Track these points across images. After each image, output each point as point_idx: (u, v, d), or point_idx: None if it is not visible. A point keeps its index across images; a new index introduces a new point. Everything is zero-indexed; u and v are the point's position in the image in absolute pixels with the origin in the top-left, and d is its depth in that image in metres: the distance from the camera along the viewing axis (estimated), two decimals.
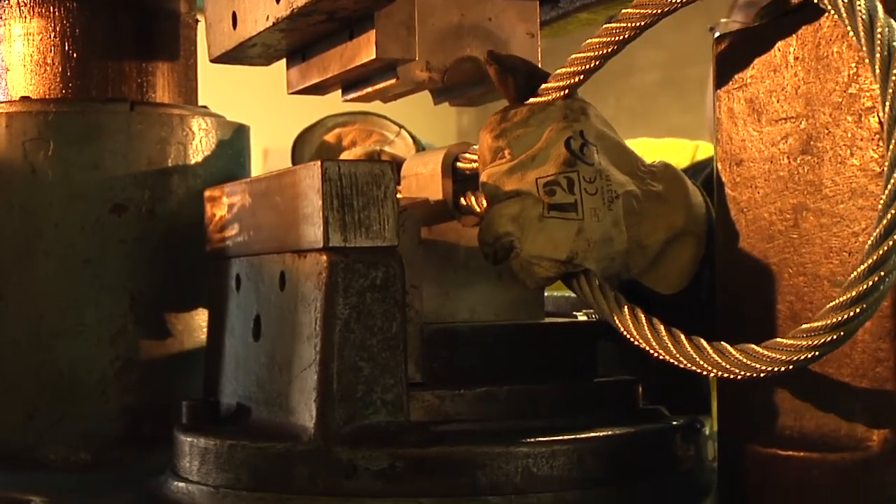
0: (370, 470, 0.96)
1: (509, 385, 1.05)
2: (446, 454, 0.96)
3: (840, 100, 0.86)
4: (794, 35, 0.89)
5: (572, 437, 0.99)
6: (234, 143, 1.38)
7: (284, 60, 1.25)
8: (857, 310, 0.78)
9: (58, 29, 1.35)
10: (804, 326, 0.80)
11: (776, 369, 0.82)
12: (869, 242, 0.78)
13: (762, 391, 0.91)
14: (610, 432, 1.01)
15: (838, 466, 0.84)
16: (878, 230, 0.77)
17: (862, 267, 0.78)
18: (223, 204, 1.19)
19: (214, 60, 1.21)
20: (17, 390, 1.29)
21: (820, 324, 0.79)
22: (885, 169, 0.78)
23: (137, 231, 1.30)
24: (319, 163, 0.99)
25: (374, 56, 1.05)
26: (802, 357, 0.81)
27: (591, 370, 1.12)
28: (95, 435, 1.29)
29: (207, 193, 1.23)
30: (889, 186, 0.77)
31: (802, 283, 0.89)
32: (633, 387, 1.12)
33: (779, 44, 0.91)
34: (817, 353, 0.80)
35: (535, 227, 0.99)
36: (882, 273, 0.77)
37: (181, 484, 1.07)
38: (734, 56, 0.96)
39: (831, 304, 0.79)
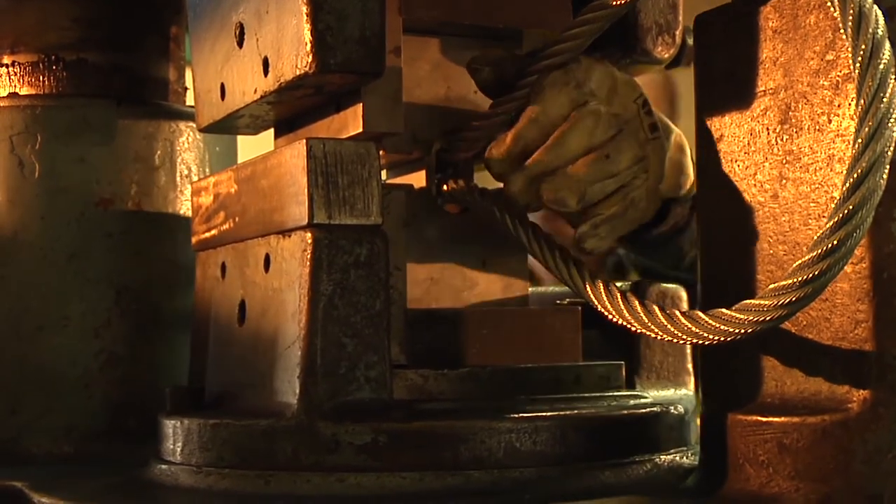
0: (353, 444, 0.96)
1: (493, 366, 1.05)
2: (429, 429, 0.96)
3: (818, 67, 0.87)
4: (772, 7, 0.91)
5: (556, 413, 0.99)
6: (221, 140, 1.39)
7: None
8: (824, 266, 0.78)
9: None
10: (772, 286, 0.81)
11: (748, 331, 0.82)
12: (836, 199, 0.78)
13: (742, 360, 0.92)
14: (593, 410, 1.02)
15: (818, 428, 0.84)
16: (844, 186, 0.78)
17: (829, 223, 0.78)
18: (209, 194, 1.20)
19: (203, 130, 1.21)
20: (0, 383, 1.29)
21: (788, 282, 0.79)
22: (854, 127, 0.79)
23: (123, 225, 1.31)
24: (304, 141, 1.00)
25: (361, 129, 1.05)
26: (772, 317, 0.80)
27: (574, 354, 1.12)
28: (79, 429, 1.29)
29: (194, 185, 1.24)
30: (857, 145, 0.78)
31: (782, 251, 0.90)
32: (618, 370, 1.12)
33: (758, 18, 0.92)
34: (786, 312, 0.80)
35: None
36: (848, 229, 0.77)
37: (164, 466, 1.07)
38: (714, 35, 0.97)
39: (798, 261, 0.79)
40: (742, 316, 0.83)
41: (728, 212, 0.95)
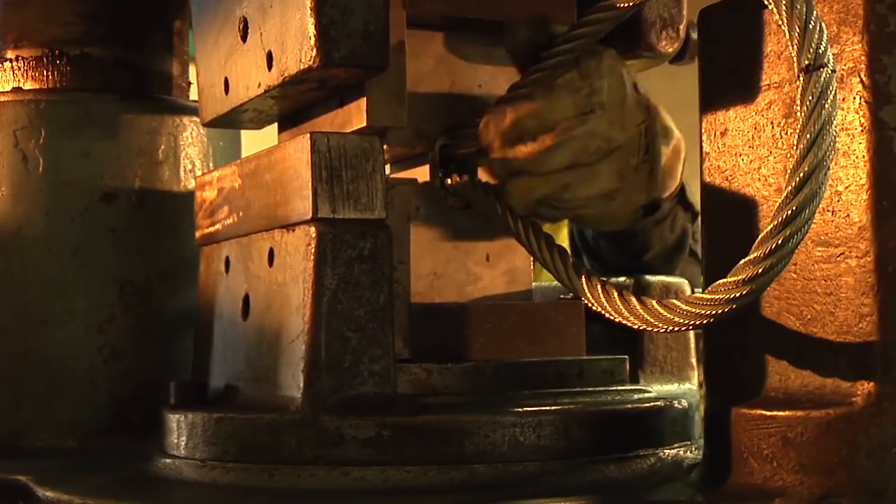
0: (357, 438, 0.96)
1: (496, 360, 1.05)
2: (433, 422, 0.96)
3: None
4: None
5: (559, 407, 0.99)
6: (225, 135, 1.39)
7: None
8: (767, 265, 0.80)
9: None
10: (720, 281, 0.83)
11: (695, 322, 0.86)
12: (779, 202, 0.80)
13: (746, 354, 0.92)
14: (597, 404, 1.02)
15: (823, 422, 0.84)
16: (787, 189, 0.79)
17: (772, 225, 0.80)
18: (213, 188, 1.20)
19: (207, 124, 1.21)
20: (4, 377, 1.29)
21: (734, 279, 0.81)
22: (797, 132, 0.80)
23: (127, 220, 1.31)
24: (308, 135, 1.00)
25: (365, 123, 1.05)
26: (719, 311, 0.83)
27: (578, 349, 1.12)
28: (83, 423, 1.29)
29: (198, 180, 1.24)
30: (799, 148, 0.79)
31: None
32: (621, 365, 1.12)
33: (762, 12, 0.92)
34: (733, 307, 0.82)
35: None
36: (790, 231, 0.79)
37: (168, 460, 1.07)
38: (718, 28, 0.97)
39: (743, 260, 0.81)
40: (692, 309, 0.85)
41: (732, 206, 0.95)
